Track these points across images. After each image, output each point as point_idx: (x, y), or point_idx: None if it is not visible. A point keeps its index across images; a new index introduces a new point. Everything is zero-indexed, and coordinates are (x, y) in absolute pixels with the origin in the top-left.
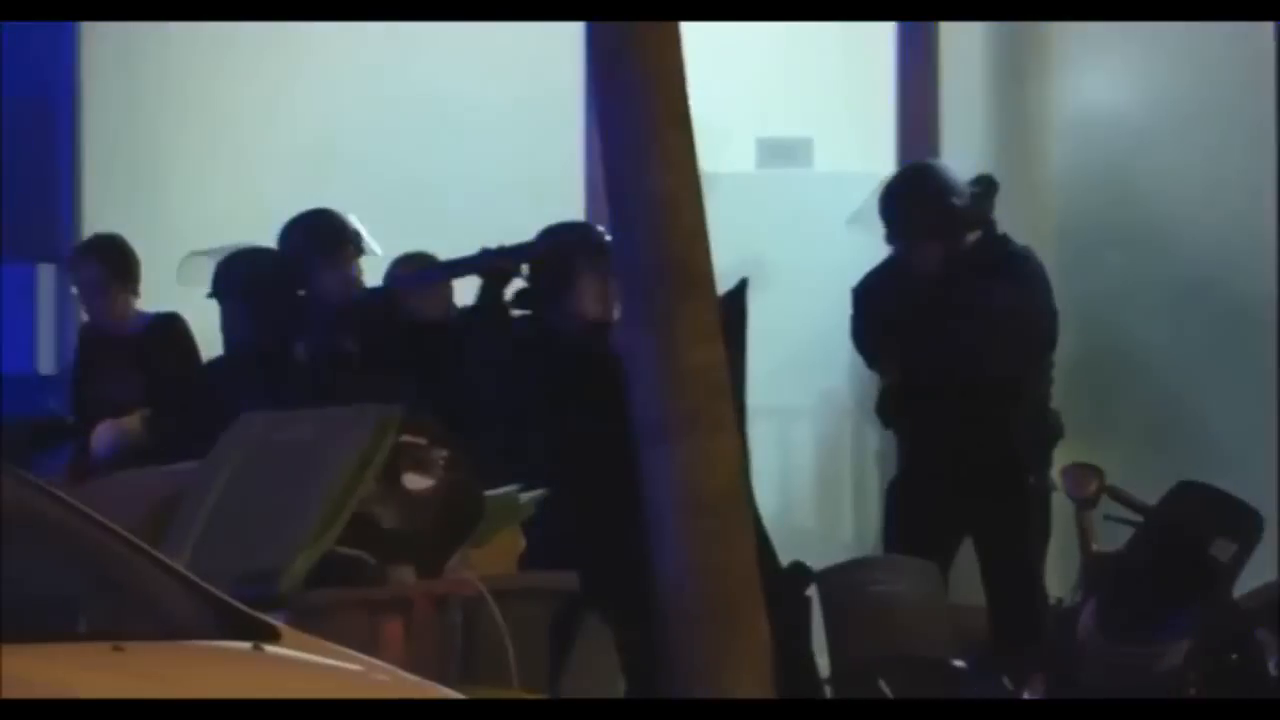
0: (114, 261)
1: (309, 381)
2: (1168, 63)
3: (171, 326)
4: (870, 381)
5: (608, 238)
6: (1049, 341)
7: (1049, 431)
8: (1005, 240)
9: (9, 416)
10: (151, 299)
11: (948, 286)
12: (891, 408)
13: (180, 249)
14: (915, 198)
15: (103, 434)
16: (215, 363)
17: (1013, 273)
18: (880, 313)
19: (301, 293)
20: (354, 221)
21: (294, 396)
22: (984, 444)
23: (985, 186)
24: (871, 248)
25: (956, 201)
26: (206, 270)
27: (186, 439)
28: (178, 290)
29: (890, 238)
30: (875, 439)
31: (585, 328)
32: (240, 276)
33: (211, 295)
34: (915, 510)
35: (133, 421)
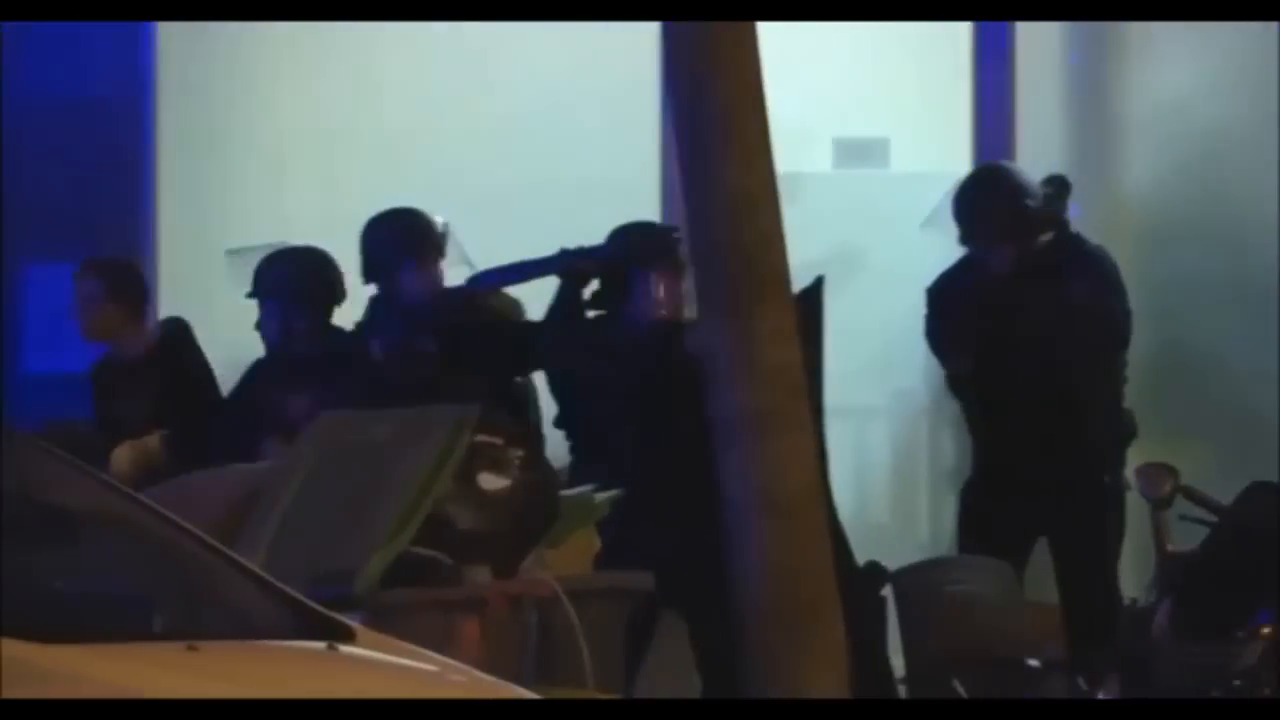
0: (113, 279)
1: (385, 381)
2: (1246, 60)
3: (177, 339)
4: (945, 381)
5: (678, 237)
6: (1121, 341)
7: (1123, 431)
8: (1079, 240)
9: (81, 418)
10: (228, 298)
11: (1021, 287)
12: (964, 397)
13: None
14: (989, 199)
15: (121, 456)
16: (260, 363)
17: (1086, 273)
18: (954, 313)
19: (376, 291)
20: (441, 224)
21: (369, 396)
22: (1058, 444)
23: (1058, 187)
24: (947, 248)
25: (1030, 203)
26: (241, 269)
27: (206, 456)
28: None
29: (964, 239)
30: (951, 439)
31: (661, 328)
32: (285, 276)
33: (251, 295)
34: (990, 510)
35: (151, 441)
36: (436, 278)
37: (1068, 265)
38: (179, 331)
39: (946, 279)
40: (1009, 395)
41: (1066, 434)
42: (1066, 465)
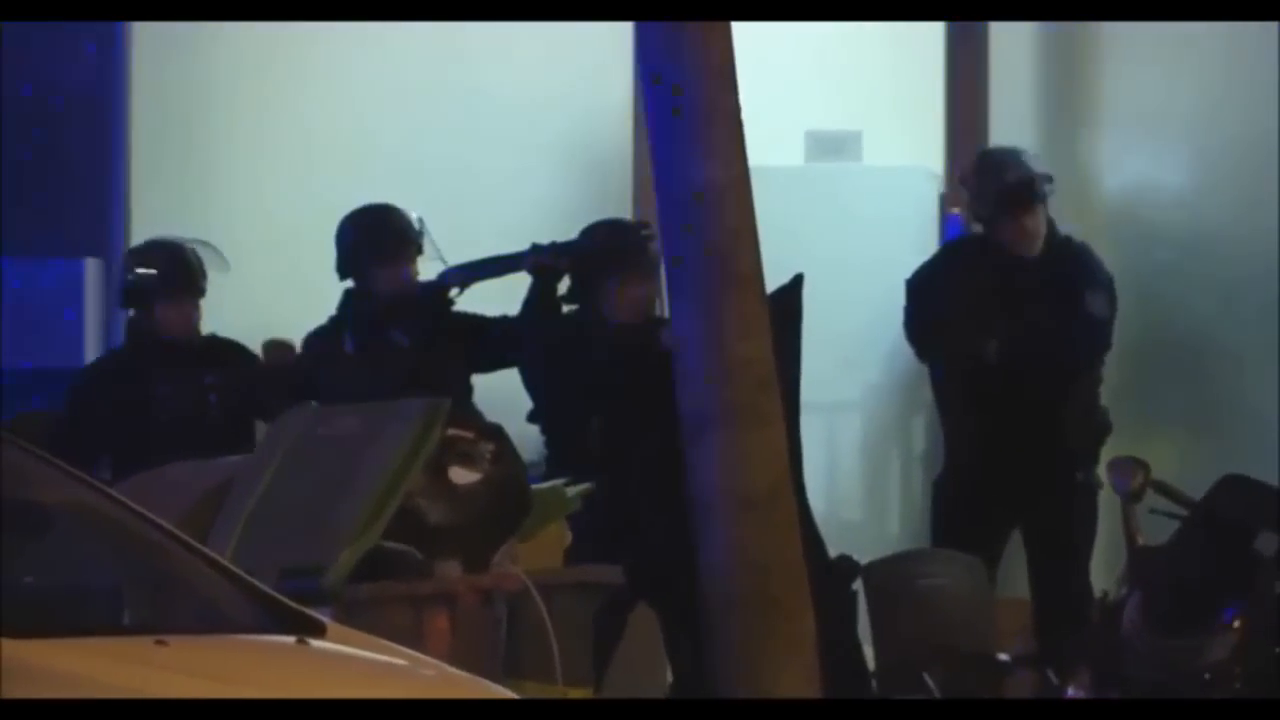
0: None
1: (356, 375)
2: (1215, 61)
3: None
4: (919, 375)
5: (649, 234)
6: (1106, 345)
7: (1098, 428)
8: (1069, 240)
9: (55, 412)
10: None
11: (1026, 285)
12: (941, 391)
13: (229, 244)
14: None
15: None
16: None
17: (1092, 278)
18: (937, 304)
19: (351, 286)
20: (417, 220)
21: (342, 390)
22: (1033, 440)
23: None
24: (920, 241)
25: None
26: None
27: None
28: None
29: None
30: (922, 434)
31: (633, 323)
32: None
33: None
34: (962, 505)
35: None
36: (410, 273)
37: (1069, 266)
38: None
39: (928, 271)
40: (990, 391)
41: (1042, 430)
42: (1041, 461)
